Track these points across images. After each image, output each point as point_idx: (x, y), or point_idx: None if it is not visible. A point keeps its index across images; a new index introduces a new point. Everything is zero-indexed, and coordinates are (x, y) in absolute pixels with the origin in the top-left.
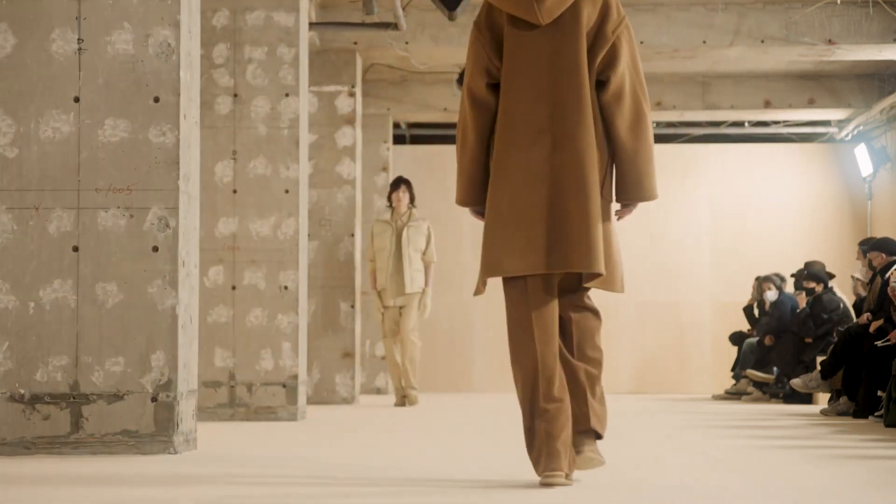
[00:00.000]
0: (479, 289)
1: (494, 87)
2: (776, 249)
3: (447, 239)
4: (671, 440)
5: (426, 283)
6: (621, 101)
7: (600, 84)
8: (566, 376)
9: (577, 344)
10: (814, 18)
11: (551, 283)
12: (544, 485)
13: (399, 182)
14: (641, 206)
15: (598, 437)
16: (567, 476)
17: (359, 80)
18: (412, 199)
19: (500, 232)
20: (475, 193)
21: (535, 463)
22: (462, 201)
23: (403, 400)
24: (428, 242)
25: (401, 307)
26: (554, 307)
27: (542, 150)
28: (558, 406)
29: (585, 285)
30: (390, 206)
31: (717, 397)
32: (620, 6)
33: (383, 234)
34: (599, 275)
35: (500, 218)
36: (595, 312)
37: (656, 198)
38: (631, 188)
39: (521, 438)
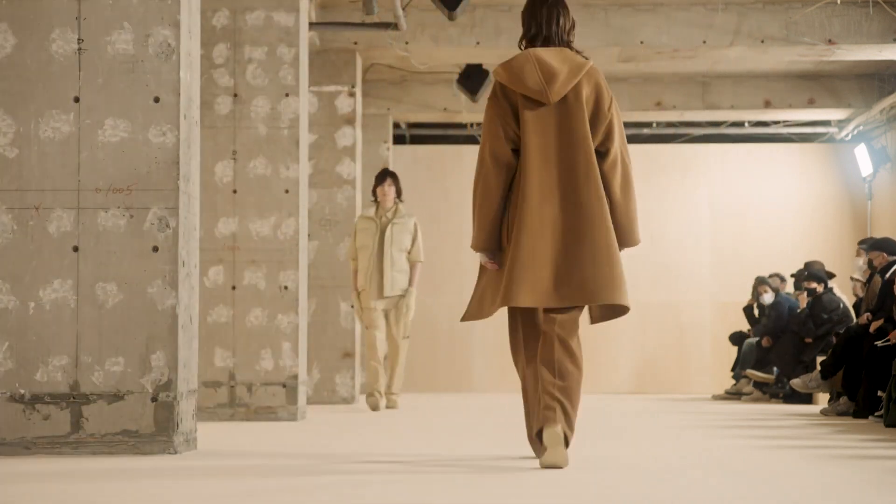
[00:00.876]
0: (489, 311)
1: (516, 151)
2: (776, 249)
3: (447, 239)
4: (671, 440)
5: (410, 284)
6: (616, 168)
7: (599, 153)
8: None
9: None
10: (814, 18)
11: (538, 316)
12: (545, 460)
13: (385, 175)
14: (642, 207)
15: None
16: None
17: (359, 80)
18: (399, 194)
19: (518, 271)
20: (493, 241)
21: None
22: (481, 248)
23: (377, 402)
24: (414, 240)
25: (385, 311)
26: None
27: (552, 208)
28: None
29: (602, 320)
30: (375, 200)
31: (717, 397)
32: (607, 84)
33: (366, 231)
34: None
35: (518, 261)
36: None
37: (639, 243)
38: (623, 236)
39: (521, 438)
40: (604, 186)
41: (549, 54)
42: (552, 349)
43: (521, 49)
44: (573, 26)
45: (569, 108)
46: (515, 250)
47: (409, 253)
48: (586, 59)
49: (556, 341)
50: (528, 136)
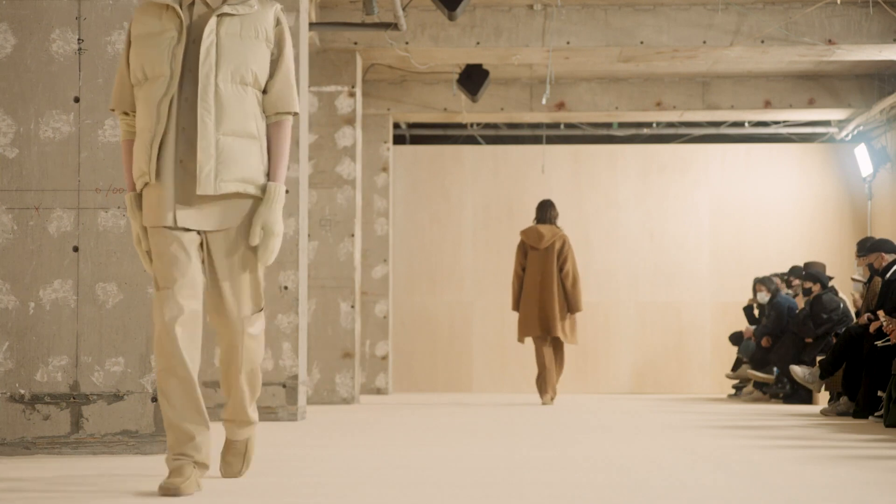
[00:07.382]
0: (521, 340)
1: (524, 268)
2: (776, 250)
3: (447, 239)
4: (671, 440)
5: (272, 174)
6: (569, 276)
7: (560, 268)
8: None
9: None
10: (814, 18)
11: (546, 341)
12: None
13: None
14: (642, 205)
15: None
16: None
17: (359, 80)
18: None
19: (522, 319)
20: (519, 305)
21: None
22: (515, 308)
23: (187, 477)
24: (279, 61)
25: (205, 238)
26: (546, 348)
27: (536, 295)
28: (546, 372)
29: (564, 341)
30: None
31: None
32: (568, 238)
33: (157, 38)
34: (562, 338)
35: (523, 314)
36: (562, 358)
37: (582, 310)
38: (572, 306)
39: (520, 438)
40: (562, 283)
41: (543, 227)
42: (554, 364)
43: (533, 223)
44: (557, 214)
45: (548, 252)
46: (521, 310)
47: (264, 91)
48: (559, 228)
49: (555, 357)
50: (529, 263)
